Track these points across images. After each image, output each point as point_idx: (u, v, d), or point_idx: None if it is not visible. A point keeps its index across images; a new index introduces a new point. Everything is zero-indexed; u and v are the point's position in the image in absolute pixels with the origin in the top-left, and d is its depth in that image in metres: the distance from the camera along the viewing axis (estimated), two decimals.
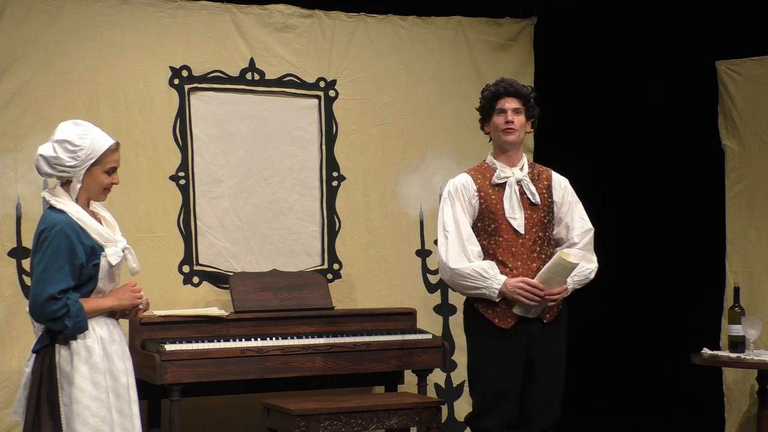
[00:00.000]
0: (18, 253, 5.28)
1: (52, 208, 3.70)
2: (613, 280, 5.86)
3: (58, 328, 3.60)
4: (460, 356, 5.51)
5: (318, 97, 5.96)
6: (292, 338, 5.27)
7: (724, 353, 5.60)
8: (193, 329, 5.22)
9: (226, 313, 5.31)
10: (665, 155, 6.80)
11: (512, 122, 4.45)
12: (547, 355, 4.42)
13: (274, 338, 5.23)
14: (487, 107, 4.51)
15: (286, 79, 5.89)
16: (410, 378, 5.63)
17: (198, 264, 5.66)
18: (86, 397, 3.61)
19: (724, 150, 6.25)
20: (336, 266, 5.94)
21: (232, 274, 5.59)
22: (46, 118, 5.25)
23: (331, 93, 5.99)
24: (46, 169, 3.69)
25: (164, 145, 5.63)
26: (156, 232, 5.58)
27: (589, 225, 4.56)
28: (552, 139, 6.27)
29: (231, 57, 5.78)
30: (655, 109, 6.84)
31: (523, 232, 4.42)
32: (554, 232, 4.54)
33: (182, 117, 5.67)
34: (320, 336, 5.33)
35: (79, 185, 3.69)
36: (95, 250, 3.68)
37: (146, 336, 5.13)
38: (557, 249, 4.51)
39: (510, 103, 4.47)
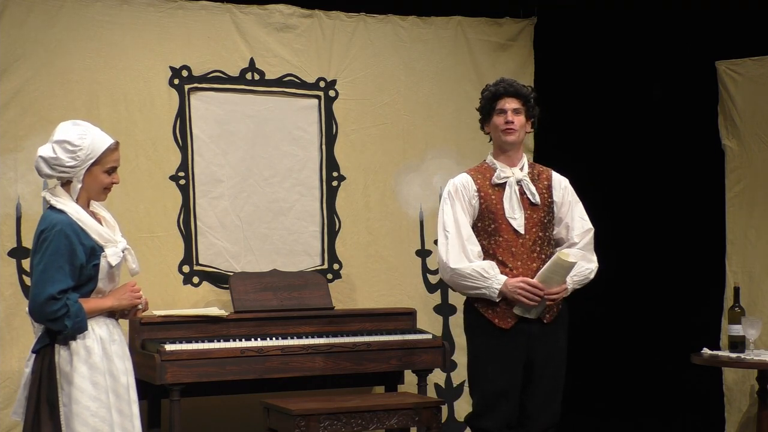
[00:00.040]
0: (18, 253, 5.28)
1: (52, 208, 3.69)
2: (613, 280, 5.86)
3: (57, 328, 3.60)
4: (460, 356, 5.51)
5: (318, 97, 5.96)
6: (292, 338, 5.27)
7: (724, 353, 5.60)
8: (193, 329, 5.22)
9: (226, 313, 5.31)
10: (665, 155, 6.80)
11: (512, 122, 4.45)
12: (547, 355, 4.42)
13: (274, 338, 5.23)
14: (487, 107, 4.52)
15: (286, 79, 5.89)
16: (410, 378, 5.63)
17: (198, 264, 5.66)
18: (86, 397, 3.61)
19: (724, 150, 6.25)
20: (336, 266, 5.94)
21: (232, 274, 5.59)
22: (46, 118, 5.24)
23: (331, 93, 5.99)
24: (46, 170, 3.69)
25: (164, 145, 5.63)
26: (156, 232, 5.58)
27: (589, 225, 4.56)
28: (552, 139, 6.27)
29: (231, 57, 5.78)
30: (655, 109, 6.84)
31: (523, 232, 4.42)
32: (554, 232, 4.54)
33: (182, 117, 5.67)
34: (320, 336, 5.33)
35: (79, 185, 3.69)
36: (95, 250, 3.67)
37: (146, 336, 5.13)
38: (557, 249, 4.52)
39: (510, 104, 4.47)
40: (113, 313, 3.79)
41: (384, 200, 6.07)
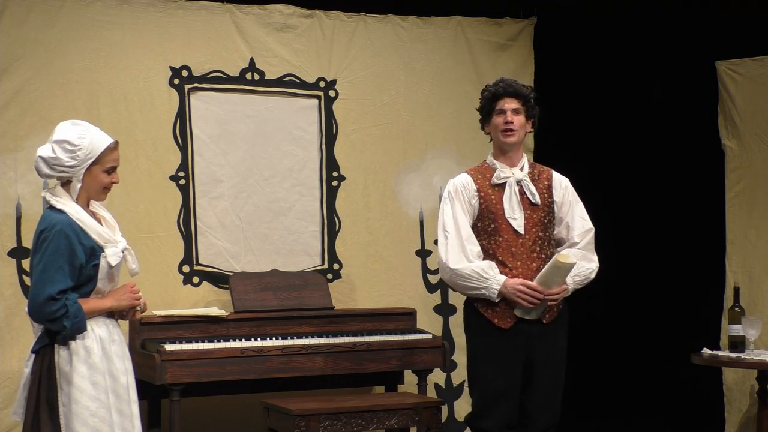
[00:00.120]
0: (18, 253, 5.28)
1: (52, 208, 3.69)
2: (614, 280, 5.86)
3: (56, 328, 3.60)
4: (460, 356, 5.51)
5: (318, 97, 5.96)
6: (292, 338, 5.27)
7: (724, 353, 5.60)
8: (193, 329, 5.22)
9: (226, 313, 5.31)
10: (665, 155, 6.79)
11: (512, 122, 4.45)
12: (546, 355, 4.42)
13: (274, 338, 5.23)
14: (487, 108, 4.52)
15: (286, 79, 5.89)
16: (410, 378, 5.63)
17: (198, 264, 5.66)
18: (85, 397, 3.61)
19: (724, 150, 6.25)
20: (336, 266, 5.94)
21: (232, 274, 5.59)
22: (46, 118, 5.24)
23: (331, 93, 5.99)
24: (46, 170, 3.69)
25: (164, 145, 5.63)
26: (156, 232, 5.58)
27: (589, 225, 4.56)
28: (552, 139, 6.27)
29: (231, 57, 5.78)
30: (655, 109, 6.83)
31: (522, 232, 4.42)
32: (555, 232, 4.54)
33: (182, 117, 5.67)
34: (320, 336, 5.33)
35: (79, 185, 3.69)
36: (95, 250, 3.67)
37: (146, 336, 5.13)
38: (558, 249, 4.52)
39: (509, 104, 4.46)
40: (112, 314, 3.79)
41: (384, 200, 6.07)
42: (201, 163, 5.71)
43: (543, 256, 4.44)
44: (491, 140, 4.57)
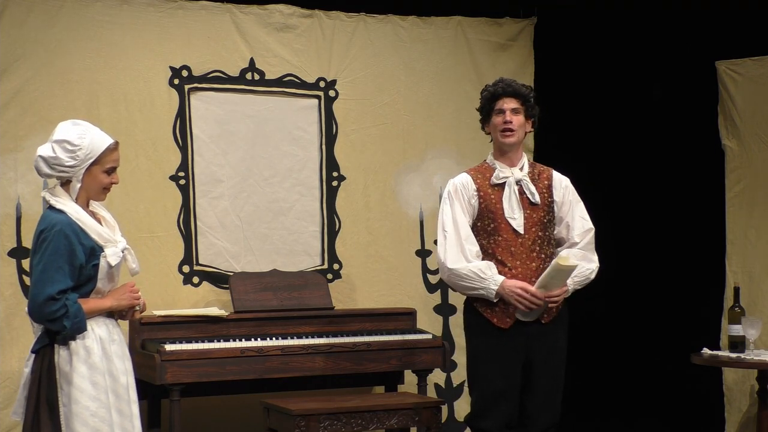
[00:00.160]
0: (18, 253, 5.28)
1: (51, 208, 3.69)
2: (614, 280, 5.86)
3: (56, 328, 3.60)
4: (460, 356, 5.50)
5: (318, 97, 5.96)
6: (292, 338, 5.27)
7: (724, 353, 5.60)
8: (193, 329, 5.22)
9: (226, 313, 5.31)
10: (665, 155, 6.79)
11: (510, 122, 4.44)
12: (546, 355, 4.42)
13: (274, 338, 5.23)
14: (487, 108, 4.52)
15: (286, 79, 5.89)
16: (410, 378, 5.63)
17: (198, 264, 5.66)
18: (85, 397, 3.61)
19: (724, 150, 6.25)
20: (336, 266, 5.94)
21: (232, 274, 5.59)
22: (46, 118, 5.24)
23: (331, 93, 5.99)
24: (46, 169, 3.69)
25: (164, 145, 5.63)
26: (156, 232, 5.58)
27: (590, 225, 4.55)
28: (552, 139, 6.27)
29: (231, 57, 5.78)
30: (655, 109, 6.83)
31: (522, 231, 4.42)
32: (555, 232, 4.54)
33: (182, 117, 5.67)
34: (320, 336, 5.33)
35: (78, 185, 3.69)
36: (95, 250, 3.67)
37: (146, 336, 5.13)
38: (558, 249, 4.52)
39: (508, 103, 4.46)
40: (112, 314, 3.79)
41: (384, 200, 6.07)
42: (201, 163, 5.71)
43: (542, 255, 4.44)
44: (492, 140, 4.57)
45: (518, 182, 4.46)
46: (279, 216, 5.86)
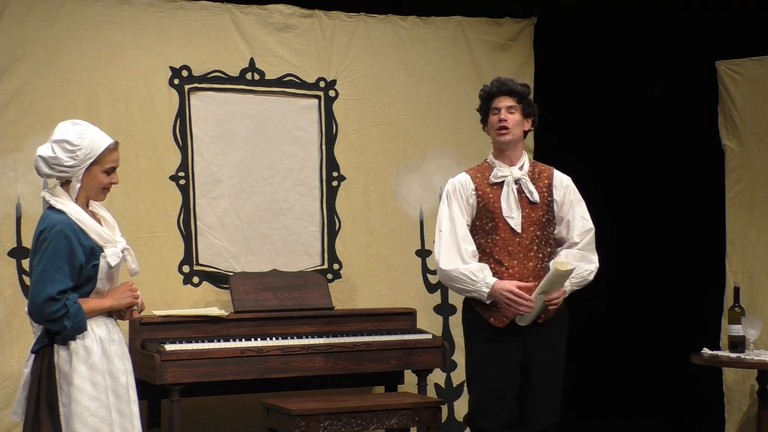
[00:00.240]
0: (18, 253, 5.28)
1: (51, 208, 3.69)
2: (613, 280, 5.85)
3: (56, 328, 3.59)
4: (460, 356, 5.49)
5: (318, 97, 5.96)
6: (292, 338, 5.27)
7: (724, 353, 5.60)
8: (193, 329, 5.22)
9: (226, 313, 5.31)
10: (665, 155, 6.79)
11: (506, 121, 4.43)
12: (545, 355, 4.42)
13: (274, 338, 5.23)
14: (484, 107, 4.53)
15: (286, 79, 5.89)
16: (410, 378, 5.63)
17: (198, 264, 5.66)
18: (85, 397, 3.61)
19: (724, 150, 6.25)
20: (336, 266, 5.94)
21: (232, 274, 5.59)
22: (46, 118, 5.24)
23: (331, 93, 5.99)
24: (45, 169, 3.69)
25: (164, 145, 5.63)
26: (156, 232, 5.58)
27: (590, 224, 4.54)
28: (552, 138, 6.27)
29: (231, 57, 5.78)
30: (655, 109, 6.83)
31: (520, 230, 4.41)
32: (555, 231, 4.53)
33: (182, 117, 5.67)
34: (320, 336, 5.33)
35: (78, 185, 3.69)
36: (94, 250, 3.67)
37: (146, 336, 5.13)
38: (558, 249, 4.51)
39: (503, 102, 4.46)
40: (111, 313, 3.79)
41: (384, 200, 6.07)
42: (201, 163, 5.71)
43: (540, 255, 4.43)
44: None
45: (517, 181, 4.46)
46: (279, 216, 5.86)
